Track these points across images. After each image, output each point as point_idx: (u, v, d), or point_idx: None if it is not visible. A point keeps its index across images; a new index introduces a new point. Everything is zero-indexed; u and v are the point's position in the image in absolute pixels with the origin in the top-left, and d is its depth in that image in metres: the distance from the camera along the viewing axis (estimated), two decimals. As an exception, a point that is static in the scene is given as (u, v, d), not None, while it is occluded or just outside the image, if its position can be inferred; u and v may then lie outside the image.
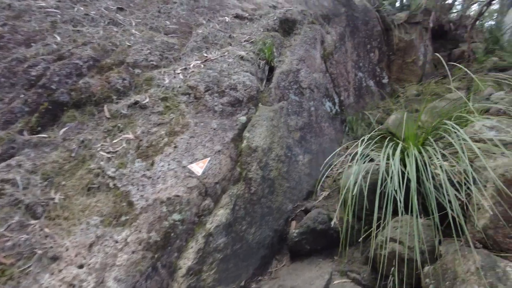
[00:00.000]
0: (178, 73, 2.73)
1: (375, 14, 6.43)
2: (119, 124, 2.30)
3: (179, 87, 2.60)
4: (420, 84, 6.43)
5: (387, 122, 4.42)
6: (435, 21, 7.09)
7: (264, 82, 3.19)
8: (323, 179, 3.21)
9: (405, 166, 2.10)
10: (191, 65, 2.85)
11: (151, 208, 1.88)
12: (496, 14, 8.96)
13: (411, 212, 1.82)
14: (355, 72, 5.33)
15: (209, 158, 2.22)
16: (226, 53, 3.13)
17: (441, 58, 6.92)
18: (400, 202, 1.88)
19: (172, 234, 1.86)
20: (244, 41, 3.49)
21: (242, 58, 3.15)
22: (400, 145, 2.28)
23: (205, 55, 3.06)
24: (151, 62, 2.83)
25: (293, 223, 2.53)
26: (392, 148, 2.34)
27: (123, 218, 1.81)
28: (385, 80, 6.30)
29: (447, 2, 7.62)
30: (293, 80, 3.44)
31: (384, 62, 6.59)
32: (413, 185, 1.88)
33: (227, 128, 2.51)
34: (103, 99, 2.43)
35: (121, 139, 2.21)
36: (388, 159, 2.22)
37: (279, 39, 3.83)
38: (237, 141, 2.50)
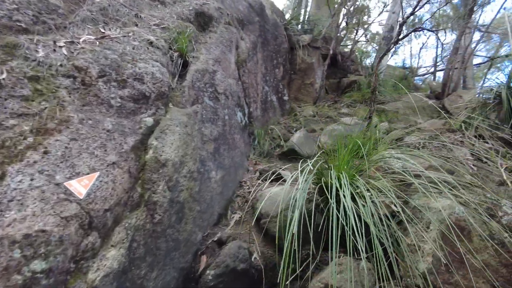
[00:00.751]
0: (61, 47, 1.91)
1: (283, 31, 6.51)
2: None
3: (60, 65, 1.80)
4: (316, 106, 6.78)
5: (291, 139, 4.35)
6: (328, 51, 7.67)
7: (176, 78, 2.61)
8: (233, 199, 2.81)
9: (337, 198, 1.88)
10: (81, 40, 2.06)
11: (-12, 256, 1.11)
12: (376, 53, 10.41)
13: (346, 247, 1.57)
14: (263, 85, 5.17)
15: (98, 173, 1.54)
16: (131, 34, 2.42)
17: (334, 85, 7.45)
18: (337, 238, 1.62)
19: (25, 298, 1.13)
20: (154, 25, 2.83)
21: (151, 44, 2.50)
22: (333, 173, 2.05)
23: (103, 30, 2.29)
24: (18, 23, 1.92)
25: (204, 257, 2.02)
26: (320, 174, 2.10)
27: None
28: (285, 97, 6.39)
29: (339, 34, 8.38)
30: (209, 82, 2.96)
31: (286, 80, 6.71)
32: (351, 221, 1.64)
33: (126, 131, 1.84)
34: None
35: None
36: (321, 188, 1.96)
37: (194, 32, 3.29)
38: (139, 150, 1.86)
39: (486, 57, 13.93)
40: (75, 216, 1.36)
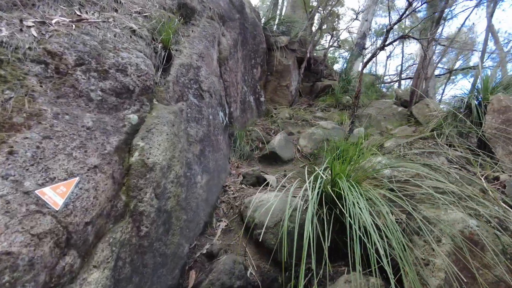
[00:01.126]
0: (29, 27, 1.62)
1: (262, 31, 6.38)
2: None
3: (29, 48, 1.51)
4: (291, 109, 6.72)
5: (272, 142, 4.22)
6: (305, 54, 7.66)
7: (159, 72, 2.37)
8: (218, 205, 2.61)
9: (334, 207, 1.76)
10: (54, 21, 1.77)
11: None
12: (344, 59, 10.61)
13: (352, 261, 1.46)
14: (242, 84, 5.00)
15: (77, 179, 1.29)
16: (111, 20, 2.15)
17: (308, 88, 7.45)
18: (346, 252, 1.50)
19: None
20: (135, 12, 2.56)
21: (134, 32, 2.24)
22: (343, 183, 1.93)
23: (78, 13, 2.00)
24: (-28, -5, 1.61)
25: (192, 273, 1.81)
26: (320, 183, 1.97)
27: None
28: (262, 99, 6.27)
29: (314, 38, 8.42)
30: (193, 79, 2.74)
31: (263, 80, 6.60)
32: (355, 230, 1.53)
33: (109, 129, 1.60)
34: None
35: None
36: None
37: (176, 24, 3.05)
38: (123, 151, 1.62)
39: (445, 69, 14.78)
40: (50, 233, 1.11)
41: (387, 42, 3.52)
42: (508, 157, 3.97)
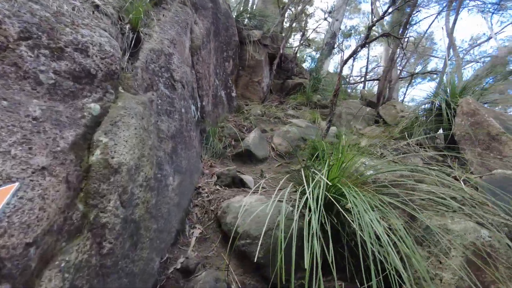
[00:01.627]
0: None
1: (234, 23, 6.11)
2: None
3: (-47, 10, 1.15)
4: (263, 105, 6.53)
5: (247, 140, 3.99)
6: (277, 50, 7.49)
7: (127, 56, 2.04)
8: (190, 210, 2.34)
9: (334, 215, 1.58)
10: (-10, -20, 1.40)
11: None
12: (312, 58, 10.61)
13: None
14: (214, 77, 4.71)
15: (16, 185, 0.98)
16: (68, -11, 1.80)
17: (278, 85, 7.31)
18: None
19: None
20: (98, -15, 2.20)
21: (97, 8, 1.90)
22: (323, 184, 1.74)
23: (25, -25, 1.63)
24: None
25: (164, 293, 1.54)
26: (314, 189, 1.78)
27: None
28: (234, 94, 6.01)
29: (287, 35, 8.29)
30: (165, 66, 2.43)
31: (234, 75, 6.34)
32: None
33: (63, 120, 1.27)
34: None
35: None
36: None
37: (145, 4, 2.71)
38: (81, 149, 1.31)
39: (407, 72, 15.40)
40: (-27, 261, 0.80)
41: (368, 40, 3.42)
42: (476, 158, 4.05)
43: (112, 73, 1.65)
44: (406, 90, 14.12)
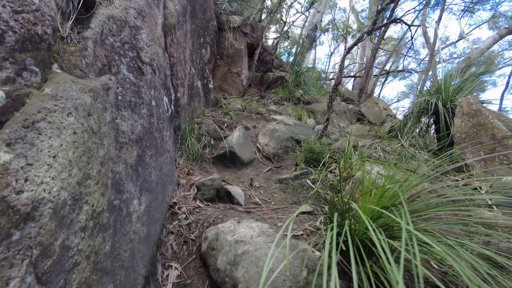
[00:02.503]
0: None
1: (213, 5, 5.42)
2: None
3: None
4: (243, 99, 5.92)
5: (230, 140, 3.38)
6: (257, 39, 6.88)
7: (70, 21, 1.36)
8: (163, 239, 1.72)
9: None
10: None
11: None
12: (288, 50, 10.10)
13: None
14: (190, 65, 4.04)
15: None
16: None
17: (258, 78, 6.72)
18: None
19: None
20: None
21: None
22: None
23: None
24: None
25: None
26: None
27: None
28: (211, 85, 5.35)
29: (269, 23, 7.69)
30: (129, 42, 1.77)
31: (212, 64, 5.68)
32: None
33: None
34: None
35: None
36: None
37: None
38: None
39: (381, 69, 15.37)
40: None
41: (376, 25, 2.93)
42: (479, 163, 3.70)
43: (36, 40, 0.99)
44: (382, 87, 14.03)
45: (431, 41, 11.58)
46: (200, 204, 2.12)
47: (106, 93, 1.34)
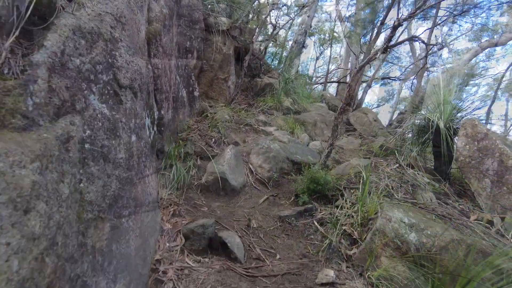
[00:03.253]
0: None
1: (201, 5, 4.96)
2: None
3: None
4: (230, 108, 5.48)
5: (221, 162, 2.95)
6: (245, 43, 6.46)
7: (10, 40, 0.91)
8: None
9: None
10: None
11: None
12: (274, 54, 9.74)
13: None
14: (175, 73, 3.58)
15: None
16: None
17: (245, 84, 6.30)
18: None
19: None
20: None
21: None
22: None
23: None
24: None
25: None
26: None
27: None
28: (196, 93, 4.88)
29: (260, 26, 7.30)
30: (103, 61, 1.32)
31: (197, 70, 5.22)
32: None
33: None
34: None
35: None
36: None
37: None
38: None
39: (368, 76, 15.30)
40: None
41: (393, 42, 2.60)
42: (485, 190, 3.47)
43: None
44: (364, 94, 13.88)
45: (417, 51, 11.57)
46: (189, 262, 1.70)
47: (65, 149, 0.90)
